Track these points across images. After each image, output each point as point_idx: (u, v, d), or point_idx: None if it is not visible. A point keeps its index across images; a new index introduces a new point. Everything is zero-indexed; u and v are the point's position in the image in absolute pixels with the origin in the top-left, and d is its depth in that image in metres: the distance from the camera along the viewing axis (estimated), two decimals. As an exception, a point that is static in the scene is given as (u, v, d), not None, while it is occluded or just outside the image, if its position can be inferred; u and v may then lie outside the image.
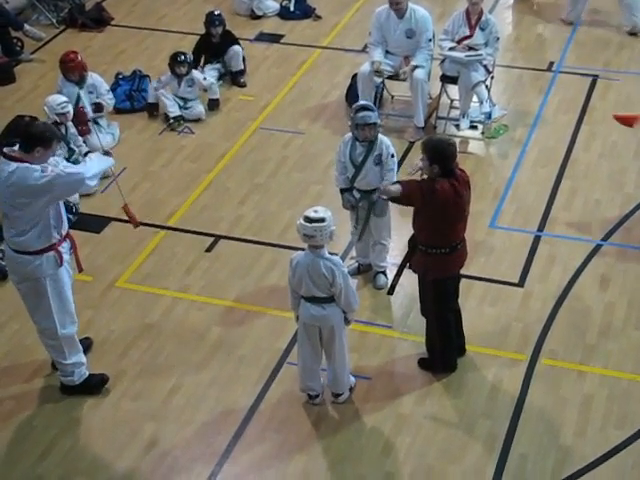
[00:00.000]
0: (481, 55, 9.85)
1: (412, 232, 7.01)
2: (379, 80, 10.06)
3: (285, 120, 10.53)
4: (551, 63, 11.34)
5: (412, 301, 7.78)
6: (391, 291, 7.35)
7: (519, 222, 8.90)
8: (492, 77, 10.20)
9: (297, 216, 6.69)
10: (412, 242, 7.04)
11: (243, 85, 11.19)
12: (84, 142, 9.59)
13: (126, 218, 7.53)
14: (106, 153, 7.29)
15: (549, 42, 11.89)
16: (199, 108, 10.57)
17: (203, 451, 6.87)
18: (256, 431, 6.99)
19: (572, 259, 8.40)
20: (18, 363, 7.64)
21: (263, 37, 12.24)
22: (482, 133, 10.10)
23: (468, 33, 9.89)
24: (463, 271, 7.27)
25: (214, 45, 11.19)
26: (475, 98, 10.06)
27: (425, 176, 6.82)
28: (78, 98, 9.82)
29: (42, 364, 7.54)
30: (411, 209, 6.91)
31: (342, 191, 7.94)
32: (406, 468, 6.68)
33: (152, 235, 8.94)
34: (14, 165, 6.42)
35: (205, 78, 10.66)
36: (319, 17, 12.58)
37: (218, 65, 11.21)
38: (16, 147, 6.53)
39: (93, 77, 10.09)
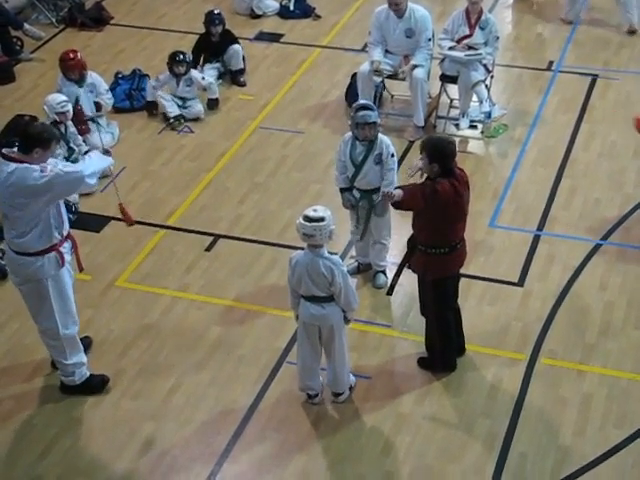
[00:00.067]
0: (481, 54, 9.84)
1: (412, 232, 7.00)
2: (379, 79, 10.05)
3: (285, 119, 10.53)
4: (551, 62, 11.33)
5: (412, 300, 7.77)
6: (390, 291, 7.36)
7: (519, 221, 8.89)
8: (492, 76, 10.20)
9: (297, 215, 6.68)
10: (411, 242, 7.03)
11: (243, 84, 11.18)
12: (84, 141, 9.59)
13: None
14: (106, 152, 7.28)
15: (549, 41, 11.88)
16: (198, 107, 10.56)
17: (202, 450, 6.87)
18: (255, 430, 6.99)
19: (572, 258, 8.40)
20: (18, 362, 7.63)
21: (263, 36, 12.24)
22: (482, 132, 10.10)
23: (468, 32, 9.89)
24: (463, 270, 7.28)
25: (214, 44, 11.19)
26: (475, 97, 10.06)
27: (425, 176, 6.81)
28: (78, 97, 9.83)
29: (42, 363, 7.54)
30: (411, 209, 6.91)
31: (342, 190, 7.93)
32: (406, 467, 6.68)
33: (152, 234, 8.93)
34: (13, 165, 6.40)
35: (204, 78, 10.64)
36: (319, 16, 12.58)
37: (218, 64, 11.21)
38: (15, 148, 6.53)
39: (93, 76, 10.10)
